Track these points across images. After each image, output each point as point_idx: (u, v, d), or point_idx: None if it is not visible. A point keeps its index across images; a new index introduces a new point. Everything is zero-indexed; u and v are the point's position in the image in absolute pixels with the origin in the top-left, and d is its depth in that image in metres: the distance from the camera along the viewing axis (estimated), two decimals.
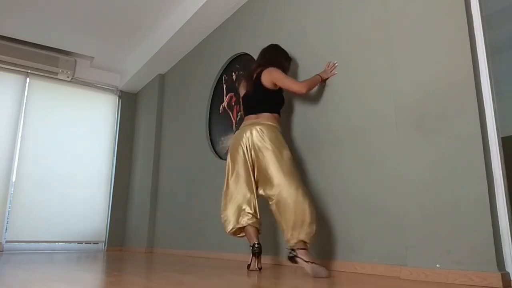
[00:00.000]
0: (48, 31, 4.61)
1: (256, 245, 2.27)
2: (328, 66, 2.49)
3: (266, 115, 2.44)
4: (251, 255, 2.27)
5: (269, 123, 2.40)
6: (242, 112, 2.79)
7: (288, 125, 2.77)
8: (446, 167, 1.70)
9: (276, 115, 2.47)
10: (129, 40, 4.81)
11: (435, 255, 1.68)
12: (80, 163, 5.28)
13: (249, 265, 2.26)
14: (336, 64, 2.46)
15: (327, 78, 2.50)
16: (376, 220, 2.05)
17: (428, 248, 1.71)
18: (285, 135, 2.51)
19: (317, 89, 2.57)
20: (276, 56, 2.62)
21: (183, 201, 4.15)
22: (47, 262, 2.84)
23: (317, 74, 2.48)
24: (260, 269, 2.24)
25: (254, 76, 2.53)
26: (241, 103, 2.67)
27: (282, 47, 2.72)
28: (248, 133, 2.37)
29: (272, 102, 2.49)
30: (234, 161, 2.43)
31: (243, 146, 2.38)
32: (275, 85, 2.45)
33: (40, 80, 5.16)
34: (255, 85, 2.49)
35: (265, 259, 2.72)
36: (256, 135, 2.34)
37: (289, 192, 2.11)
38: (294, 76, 2.76)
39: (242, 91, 2.65)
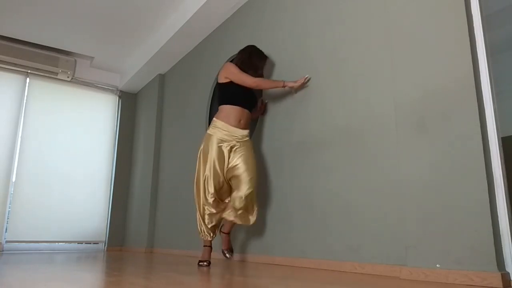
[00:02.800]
0: (48, 31, 4.61)
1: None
2: (302, 78, 2.60)
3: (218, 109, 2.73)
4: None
5: (212, 122, 2.71)
6: None
7: (287, 127, 2.77)
8: (446, 167, 1.70)
9: (222, 106, 2.70)
10: (129, 40, 4.81)
11: (435, 255, 1.68)
12: (80, 163, 5.28)
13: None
14: (308, 78, 2.59)
15: (297, 88, 2.63)
16: (376, 220, 2.05)
17: (428, 248, 1.71)
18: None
19: (316, 90, 2.57)
20: (250, 58, 2.78)
21: (183, 201, 4.15)
22: (47, 262, 2.84)
23: (282, 80, 2.66)
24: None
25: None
26: None
27: (282, 47, 2.73)
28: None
29: (222, 96, 2.74)
30: None
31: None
32: (226, 78, 2.67)
33: (40, 80, 5.16)
34: (216, 83, 2.83)
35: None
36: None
37: None
38: (292, 75, 2.76)
39: None
